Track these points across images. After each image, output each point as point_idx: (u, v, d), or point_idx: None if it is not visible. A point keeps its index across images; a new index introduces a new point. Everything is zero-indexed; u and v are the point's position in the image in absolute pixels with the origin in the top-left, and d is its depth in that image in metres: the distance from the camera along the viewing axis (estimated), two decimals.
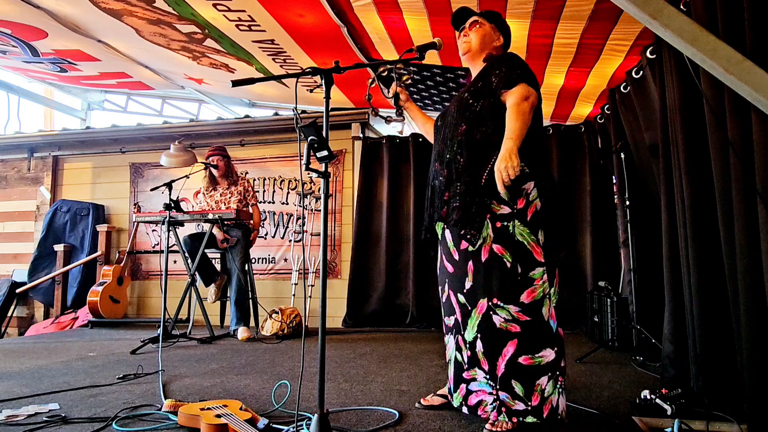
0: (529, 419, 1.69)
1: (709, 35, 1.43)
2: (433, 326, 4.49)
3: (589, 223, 4.42)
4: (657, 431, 1.77)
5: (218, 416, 1.71)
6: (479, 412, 1.79)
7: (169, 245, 3.88)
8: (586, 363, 2.91)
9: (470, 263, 1.80)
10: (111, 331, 4.66)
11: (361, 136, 5.15)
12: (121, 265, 5.34)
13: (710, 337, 2.04)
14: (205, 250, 4.06)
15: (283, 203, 5.40)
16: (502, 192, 1.69)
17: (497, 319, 1.73)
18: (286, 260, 5.32)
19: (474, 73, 2.01)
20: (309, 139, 1.62)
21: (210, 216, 4.02)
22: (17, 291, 5.59)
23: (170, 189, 3.76)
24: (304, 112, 5.25)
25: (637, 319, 3.12)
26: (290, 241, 5.31)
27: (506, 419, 1.70)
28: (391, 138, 5.10)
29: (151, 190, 4.35)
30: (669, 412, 1.88)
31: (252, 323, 4.35)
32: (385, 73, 2.12)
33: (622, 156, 3.30)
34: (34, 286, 5.56)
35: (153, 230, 5.69)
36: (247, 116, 5.60)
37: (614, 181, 3.75)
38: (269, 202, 5.41)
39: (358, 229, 4.98)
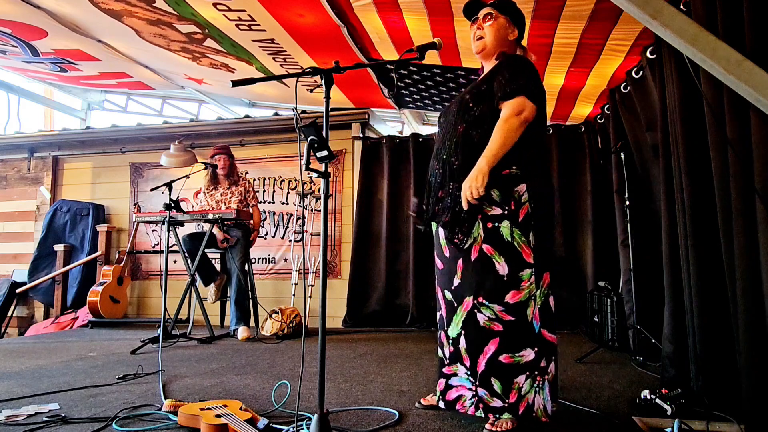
0: (505, 416, 1.71)
1: (709, 35, 1.43)
2: (433, 326, 4.47)
3: (590, 223, 4.43)
4: (657, 431, 1.78)
5: (218, 416, 1.71)
6: (458, 407, 1.82)
7: (169, 245, 3.88)
8: (586, 363, 2.92)
9: (460, 261, 1.82)
10: (111, 331, 4.66)
11: (361, 136, 5.15)
12: (121, 265, 5.34)
13: (710, 337, 2.04)
14: (205, 250, 4.06)
15: (283, 203, 5.40)
16: (465, 207, 1.73)
17: (481, 318, 1.75)
18: (286, 260, 5.32)
19: (486, 69, 2.00)
20: (309, 139, 1.62)
21: (210, 216, 4.02)
22: (17, 291, 5.59)
23: (170, 189, 3.77)
24: (304, 112, 5.25)
25: (637, 319, 3.12)
26: (290, 241, 5.31)
27: (483, 414, 1.74)
28: (391, 138, 5.10)
29: (151, 190, 4.35)
30: (669, 412, 1.88)
31: (252, 323, 4.35)
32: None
33: (622, 156, 3.30)
34: (34, 286, 5.56)
35: (153, 230, 5.69)
36: (247, 116, 5.61)
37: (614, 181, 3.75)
38: (269, 202, 5.41)
39: (358, 229, 4.98)
